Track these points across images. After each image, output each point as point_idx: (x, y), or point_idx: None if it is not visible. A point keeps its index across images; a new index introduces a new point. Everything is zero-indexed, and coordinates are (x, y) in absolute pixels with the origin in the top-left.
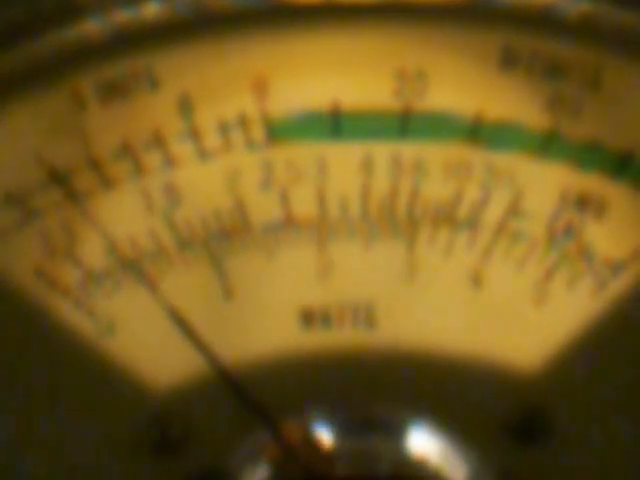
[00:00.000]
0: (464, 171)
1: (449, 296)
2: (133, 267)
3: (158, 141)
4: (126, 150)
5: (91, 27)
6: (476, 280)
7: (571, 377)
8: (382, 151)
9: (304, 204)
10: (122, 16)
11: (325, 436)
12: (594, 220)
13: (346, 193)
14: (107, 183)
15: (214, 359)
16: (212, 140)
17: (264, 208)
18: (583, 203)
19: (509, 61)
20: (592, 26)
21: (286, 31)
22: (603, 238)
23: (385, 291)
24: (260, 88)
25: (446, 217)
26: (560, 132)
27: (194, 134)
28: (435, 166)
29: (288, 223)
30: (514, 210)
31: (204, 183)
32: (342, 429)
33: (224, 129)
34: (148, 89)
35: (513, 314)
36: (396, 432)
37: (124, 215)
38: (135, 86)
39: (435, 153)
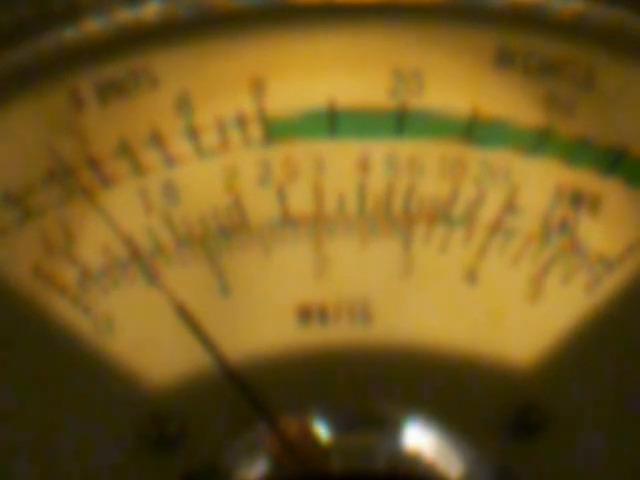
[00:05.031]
0: (459, 168)
1: (445, 292)
2: (133, 264)
3: (157, 139)
4: (125, 148)
5: (91, 27)
6: (471, 276)
7: (566, 372)
8: (378, 149)
9: (301, 201)
10: (122, 16)
11: (322, 431)
12: (588, 216)
13: (343, 191)
14: (106, 181)
15: (219, 354)
16: (210, 138)
17: (262, 205)
18: (577, 199)
19: (504, 60)
20: (585, 25)
21: (283, 30)
22: (597, 234)
23: (381, 288)
24: (258, 87)
25: (442, 214)
26: (554, 129)
27: (193, 132)
28: (431, 164)
29: (285, 220)
30: (509, 207)
31: (202, 181)
32: (339, 424)
33: (222, 127)
34: (147, 88)
35: (508, 310)
36: (392, 427)
37: (123, 213)
38: (134, 85)
39: (431, 151)
